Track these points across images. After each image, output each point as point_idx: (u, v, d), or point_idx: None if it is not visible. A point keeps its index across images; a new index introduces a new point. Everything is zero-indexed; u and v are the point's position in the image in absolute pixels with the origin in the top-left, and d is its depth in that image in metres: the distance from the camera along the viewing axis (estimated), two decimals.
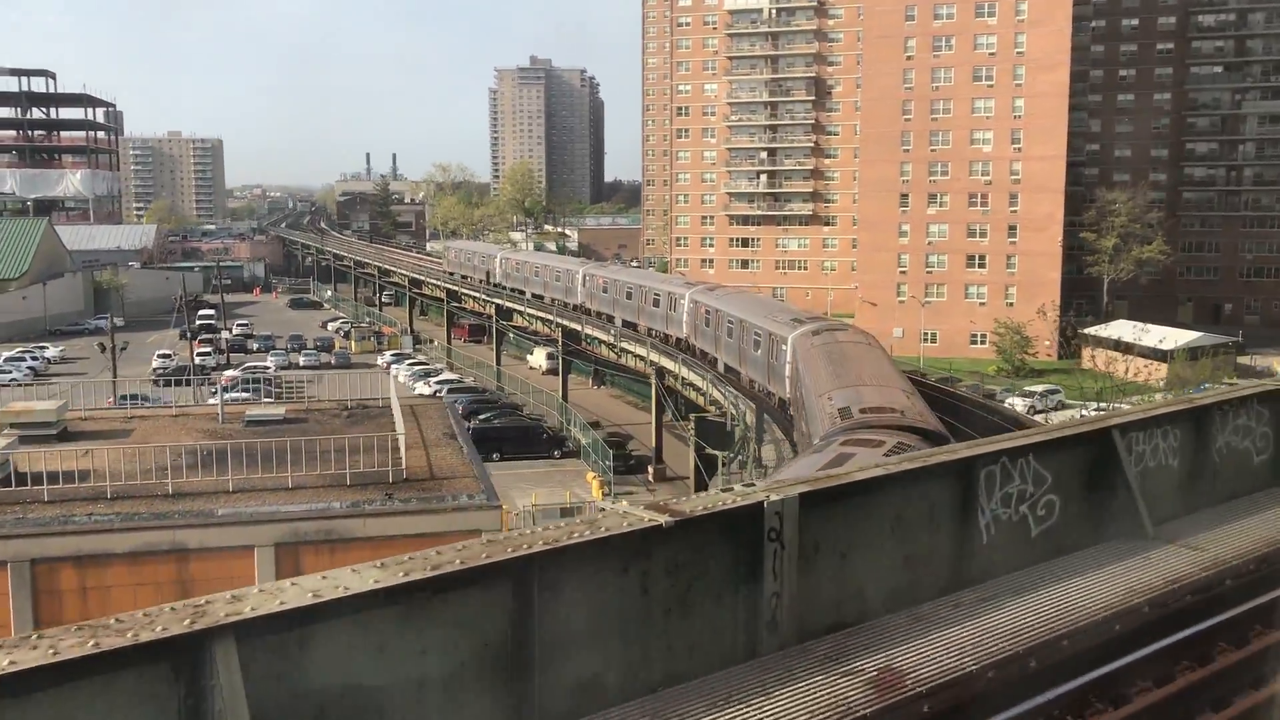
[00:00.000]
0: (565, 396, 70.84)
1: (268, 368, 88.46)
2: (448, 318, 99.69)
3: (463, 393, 75.96)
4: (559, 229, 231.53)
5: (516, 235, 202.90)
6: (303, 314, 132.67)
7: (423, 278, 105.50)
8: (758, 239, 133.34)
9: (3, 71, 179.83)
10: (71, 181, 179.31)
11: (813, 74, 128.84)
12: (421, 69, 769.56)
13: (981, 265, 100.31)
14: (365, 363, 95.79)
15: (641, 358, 60.93)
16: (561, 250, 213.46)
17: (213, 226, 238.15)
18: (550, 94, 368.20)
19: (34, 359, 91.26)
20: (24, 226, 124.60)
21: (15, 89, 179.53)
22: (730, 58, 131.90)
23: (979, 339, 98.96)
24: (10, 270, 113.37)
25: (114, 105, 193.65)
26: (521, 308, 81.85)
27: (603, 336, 67.60)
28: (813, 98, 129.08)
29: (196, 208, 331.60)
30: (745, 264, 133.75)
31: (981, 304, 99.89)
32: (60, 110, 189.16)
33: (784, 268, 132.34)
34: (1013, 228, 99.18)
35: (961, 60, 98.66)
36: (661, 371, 58.18)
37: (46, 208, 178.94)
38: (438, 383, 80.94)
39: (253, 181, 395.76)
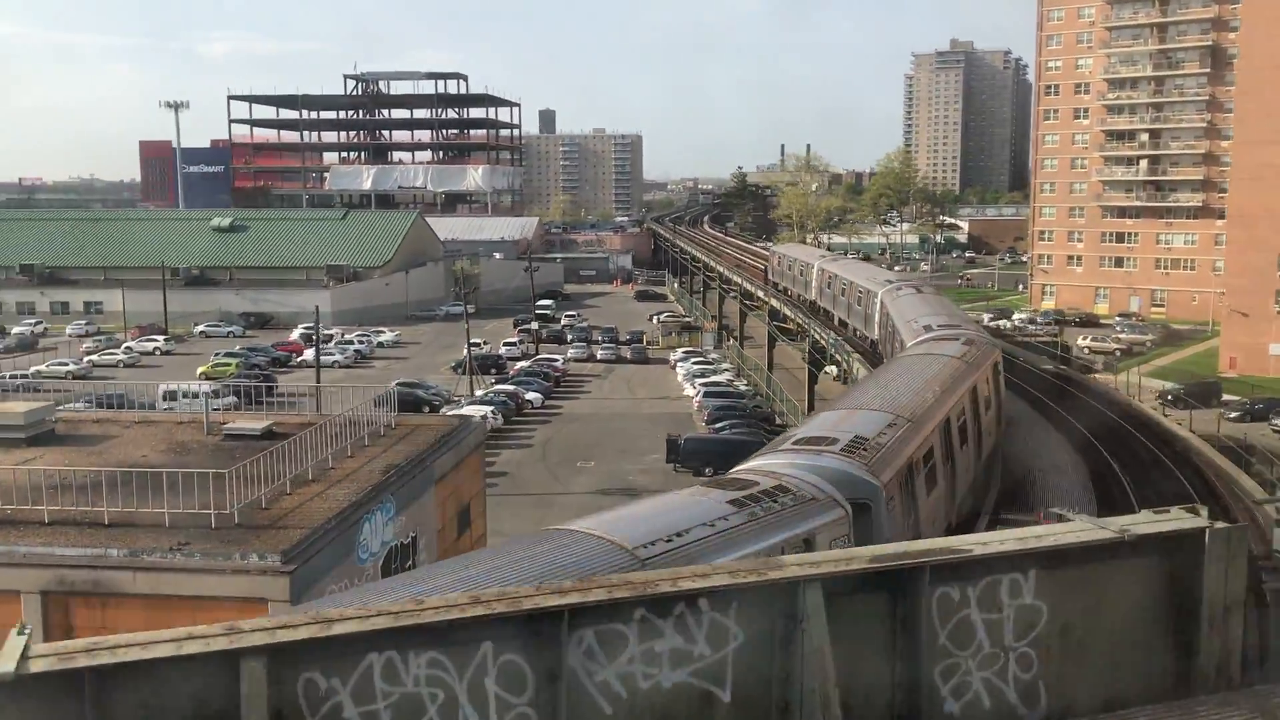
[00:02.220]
0: (810, 406, 64.58)
1: (555, 360, 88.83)
2: (740, 317, 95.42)
3: (722, 398, 71.64)
4: (949, 220, 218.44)
5: (888, 229, 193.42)
6: (645, 306, 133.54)
7: (733, 275, 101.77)
8: (1135, 234, 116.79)
9: (420, 76, 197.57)
10: (473, 177, 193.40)
11: (1208, 41, 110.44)
12: (838, 59, 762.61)
13: None
14: (661, 358, 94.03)
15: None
16: (944, 245, 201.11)
17: (594, 219, 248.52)
18: (970, 78, 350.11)
19: (362, 342, 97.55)
20: (395, 219, 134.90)
21: (432, 91, 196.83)
22: (1109, 28, 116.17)
23: None
24: (375, 259, 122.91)
25: (518, 104, 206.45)
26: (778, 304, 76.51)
27: (820, 335, 63.05)
28: (1208, 70, 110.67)
29: (614, 199, 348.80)
30: (1119, 262, 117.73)
31: None
32: (470, 110, 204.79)
33: (1166, 266, 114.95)
34: None
35: None
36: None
37: (453, 201, 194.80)
38: (704, 384, 77.20)
39: (671, 174, 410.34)
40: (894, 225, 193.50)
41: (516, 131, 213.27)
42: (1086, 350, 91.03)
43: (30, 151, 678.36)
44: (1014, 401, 49.25)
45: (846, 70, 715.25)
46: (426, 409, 70.98)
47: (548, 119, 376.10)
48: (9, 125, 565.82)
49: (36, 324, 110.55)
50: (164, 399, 66.20)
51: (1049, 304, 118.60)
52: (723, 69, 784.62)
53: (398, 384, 79.04)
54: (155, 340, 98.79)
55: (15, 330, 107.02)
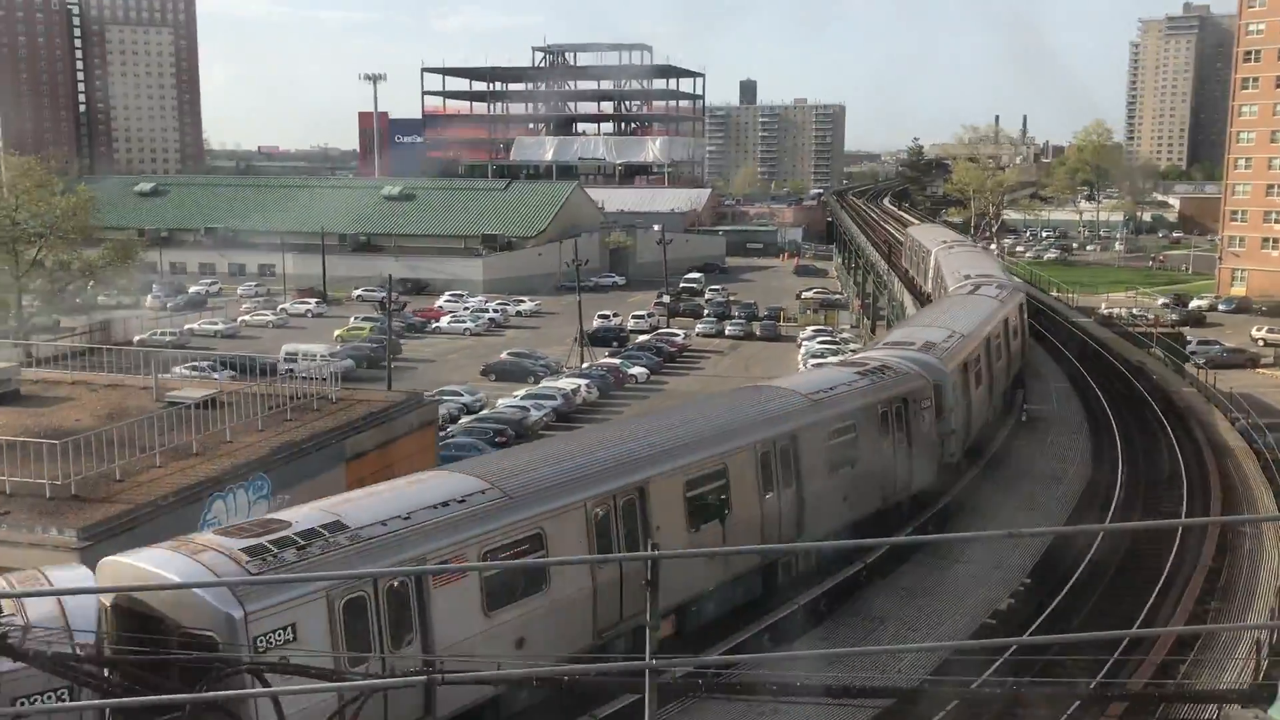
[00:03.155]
0: None
1: (676, 335, 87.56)
2: (873, 299, 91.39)
3: None
4: (1158, 198, 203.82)
5: (1086, 206, 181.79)
6: (802, 281, 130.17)
7: (873, 254, 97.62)
8: None
9: (605, 47, 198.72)
10: (652, 148, 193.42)
11: None
12: (1066, 27, 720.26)
13: None
14: (792, 336, 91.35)
15: None
16: (1150, 224, 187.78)
17: (785, 191, 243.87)
18: (1203, 44, 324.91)
19: (497, 310, 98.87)
20: (552, 190, 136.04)
21: (616, 63, 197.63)
22: None
23: None
24: (528, 229, 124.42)
25: (701, 75, 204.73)
26: None
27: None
28: None
29: (813, 171, 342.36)
30: None
31: None
32: (654, 82, 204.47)
33: None
34: None
35: None
36: None
37: (632, 173, 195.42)
38: (815, 362, 74.43)
39: (871, 147, 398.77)
40: (1094, 202, 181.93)
41: (700, 102, 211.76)
42: (1261, 342, 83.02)
43: (275, 122, 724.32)
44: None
45: (1074, 37, 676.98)
46: (531, 379, 71.43)
47: (748, 90, 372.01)
48: (259, 97, 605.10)
49: (212, 284, 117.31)
50: (284, 360, 68.91)
51: (1239, 290, 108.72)
52: (947, 36, 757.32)
53: (509, 354, 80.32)
54: (307, 303, 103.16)
55: (192, 289, 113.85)
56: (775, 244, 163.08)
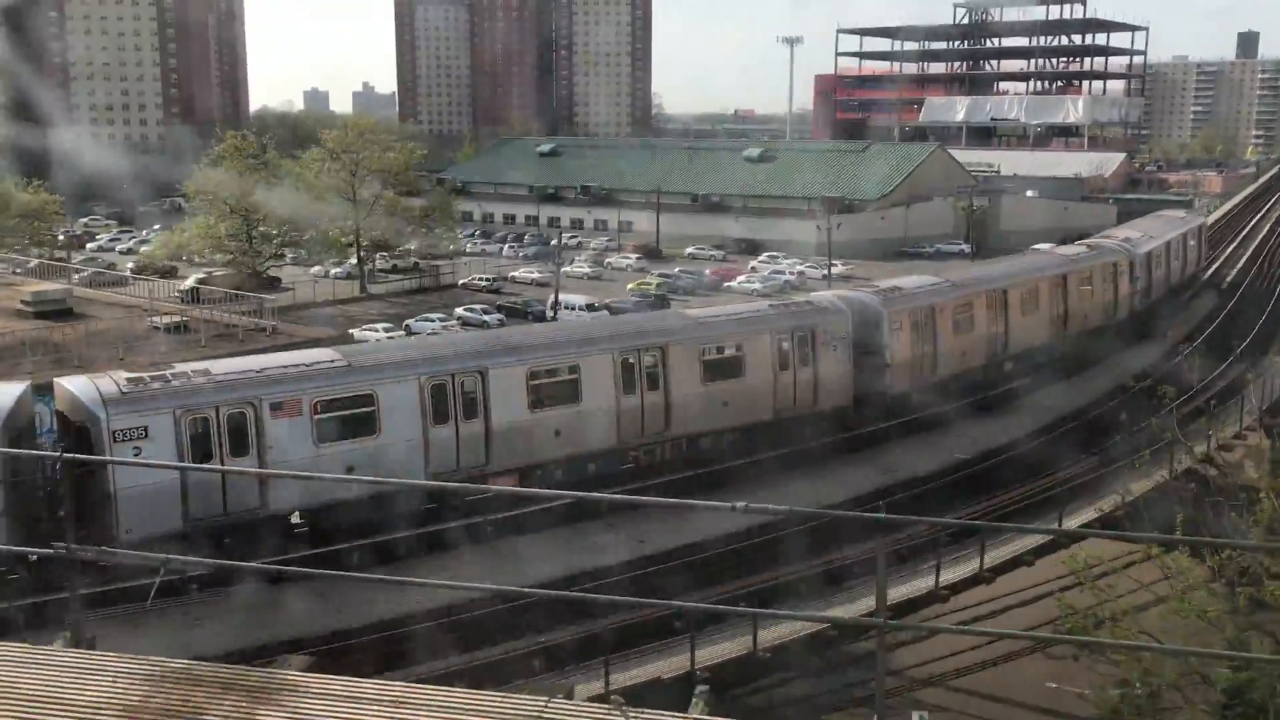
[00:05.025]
0: None
1: None
2: None
3: None
4: None
5: None
6: None
7: None
8: None
9: (1026, 1, 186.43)
10: (1072, 109, 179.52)
11: None
12: None
13: None
14: None
15: None
16: None
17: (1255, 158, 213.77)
18: None
19: (794, 273, 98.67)
20: (908, 152, 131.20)
21: (1043, 18, 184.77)
22: None
23: None
24: (871, 192, 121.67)
25: (1144, 28, 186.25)
26: None
27: None
28: None
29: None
30: None
31: None
32: (1094, 37, 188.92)
33: None
34: None
35: None
36: None
37: (1050, 135, 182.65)
38: None
39: None
40: None
41: (1140, 59, 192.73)
42: None
43: (759, 86, 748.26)
44: None
45: None
46: None
47: (1248, 42, 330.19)
48: (744, 61, 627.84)
49: (571, 237, 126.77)
50: (549, 309, 75.84)
51: None
52: None
53: None
54: (629, 259, 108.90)
55: (553, 242, 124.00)
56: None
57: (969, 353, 40.38)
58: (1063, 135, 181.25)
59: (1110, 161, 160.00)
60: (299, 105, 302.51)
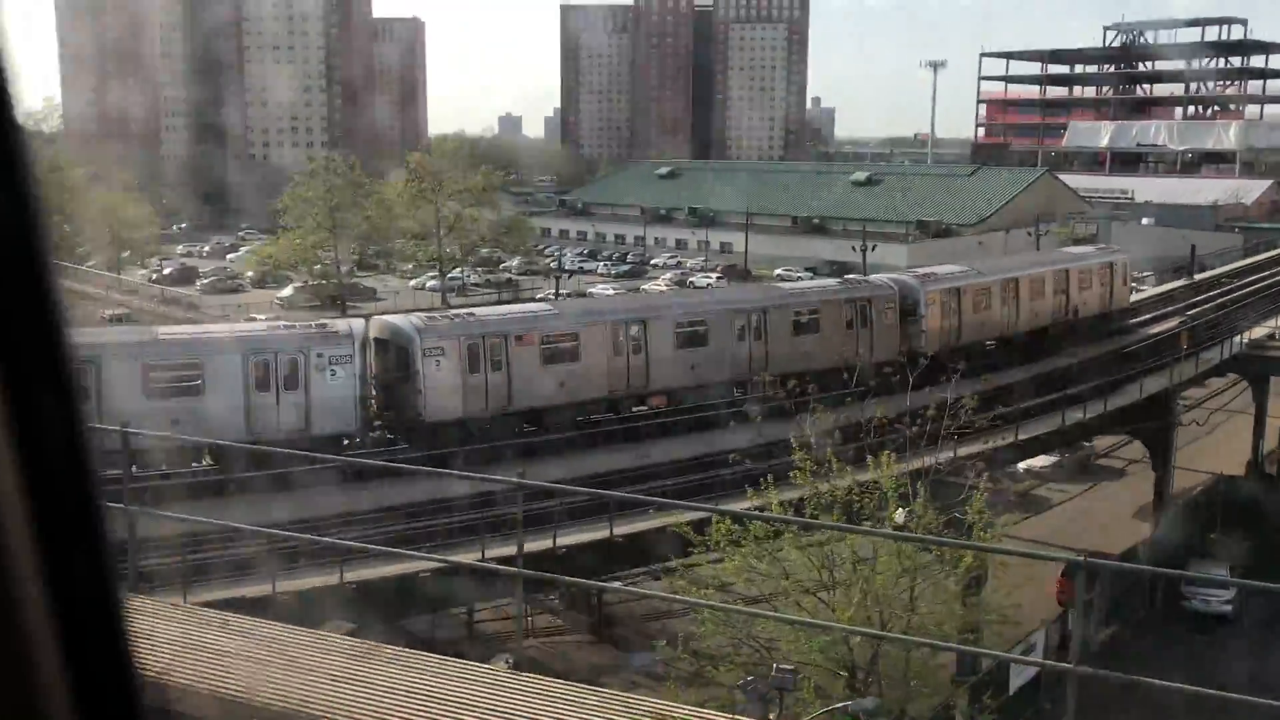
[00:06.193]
0: None
1: None
2: None
3: None
4: None
5: None
6: None
7: None
8: None
9: (1182, 23, 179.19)
10: (1224, 135, 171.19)
11: None
12: None
13: None
14: None
15: None
16: None
17: None
18: None
19: None
20: (1016, 177, 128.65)
21: (1197, 39, 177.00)
22: None
23: None
24: (968, 217, 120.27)
25: None
26: None
27: None
28: None
29: None
30: None
31: None
32: (1252, 59, 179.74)
33: None
34: None
35: None
36: None
37: (1200, 161, 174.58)
38: None
39: None
40: None
41: None
42: None
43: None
44: None
45: None
46: None
47: None
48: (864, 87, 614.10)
49: (671, 257, 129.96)
50: None
51: None
52: None
53: None
54: (709, 278, 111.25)
55: (654, 261, 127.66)
56: None
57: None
58: (1214, 162, 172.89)
59: (1253, 189, 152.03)
60: (495, 130, 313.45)
